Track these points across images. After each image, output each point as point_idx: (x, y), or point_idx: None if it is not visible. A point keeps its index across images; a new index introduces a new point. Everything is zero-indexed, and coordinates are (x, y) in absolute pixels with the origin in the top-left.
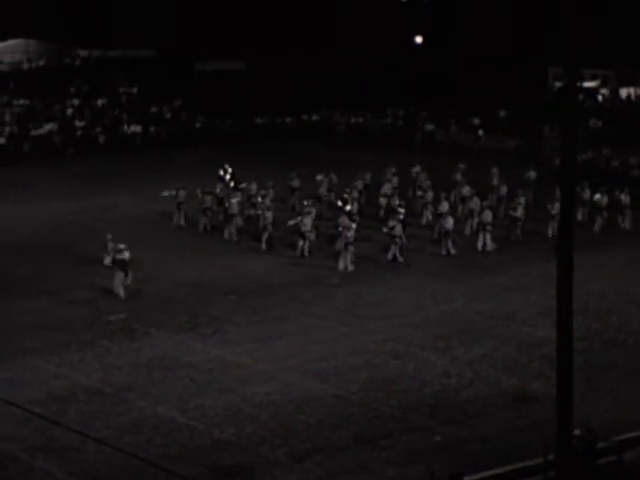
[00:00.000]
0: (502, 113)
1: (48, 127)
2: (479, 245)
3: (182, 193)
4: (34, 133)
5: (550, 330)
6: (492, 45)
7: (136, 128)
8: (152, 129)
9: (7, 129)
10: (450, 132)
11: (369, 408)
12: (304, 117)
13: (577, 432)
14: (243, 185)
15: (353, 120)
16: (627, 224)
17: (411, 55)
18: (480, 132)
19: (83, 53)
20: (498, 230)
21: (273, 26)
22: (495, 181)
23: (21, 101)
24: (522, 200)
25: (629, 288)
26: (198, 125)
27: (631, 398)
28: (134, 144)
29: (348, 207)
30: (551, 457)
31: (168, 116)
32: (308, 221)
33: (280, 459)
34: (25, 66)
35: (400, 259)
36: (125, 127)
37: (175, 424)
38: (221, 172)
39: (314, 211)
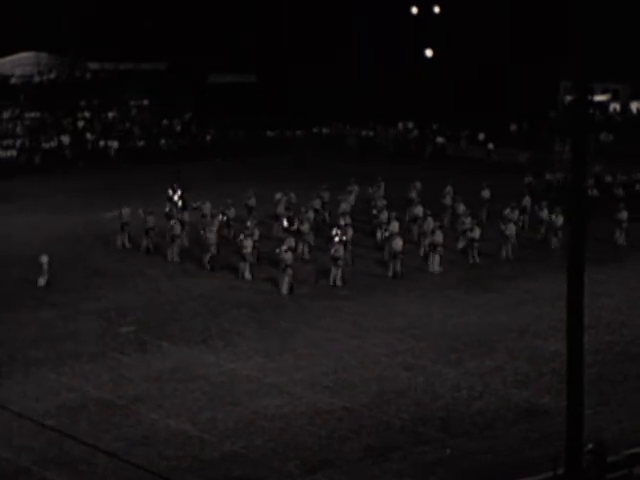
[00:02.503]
0: (513, 127)
1: (59, 140)
2: (430, 267)
3: (125, 213)
4: (45, 146)
5: (562, 343)
6: (504, 59)
7: (113, 143)
8: (163, 142)
9: (18, 141)
10: (460, 145)
11: (380, 420)
12: (315, 130)
13: (589, 446)
14: (196, 205)
15: (364, 133)
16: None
17: (422, 68)
18: (490, 146)
19: (94, 66)
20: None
21: (284, 39)
22: (448, 200)
23: (32, 114)
24: (469, 219)
25: None
26: (209, 138)
27: None
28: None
29: (294, 228)
30: (560, 471)
31: (178, 129)
32: (249, 243)
33: (292, 471)
34: (36, 79)
35: (339, 283)
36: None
37: (186, 436)
38: (170, 192)
39: (257, 233)
